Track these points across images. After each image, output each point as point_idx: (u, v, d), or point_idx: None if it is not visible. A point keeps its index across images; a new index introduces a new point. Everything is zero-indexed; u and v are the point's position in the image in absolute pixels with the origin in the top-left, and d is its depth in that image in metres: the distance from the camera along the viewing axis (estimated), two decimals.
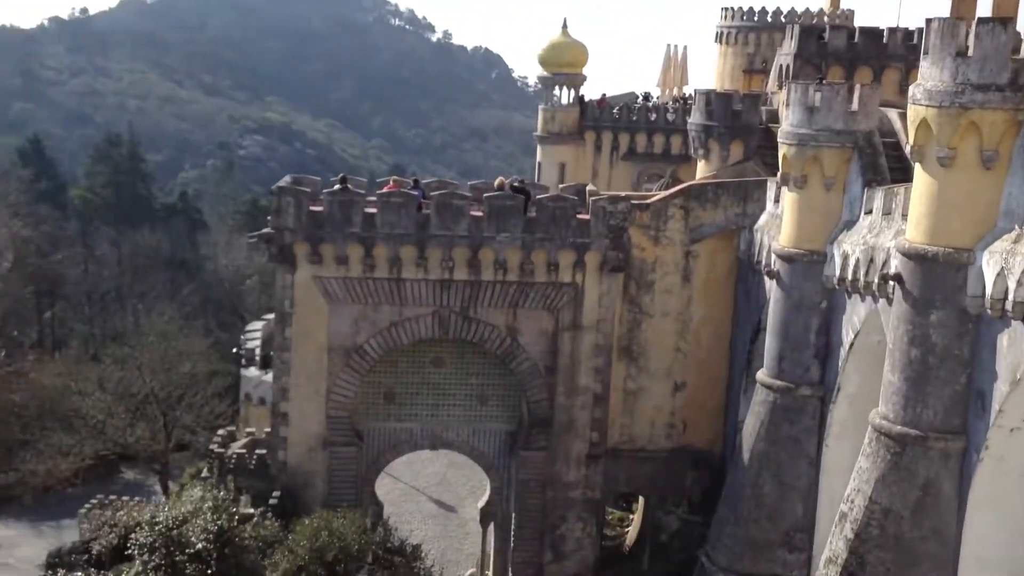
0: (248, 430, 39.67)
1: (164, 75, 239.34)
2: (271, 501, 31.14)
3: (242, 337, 57.86)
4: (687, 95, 57.00)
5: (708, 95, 40.57)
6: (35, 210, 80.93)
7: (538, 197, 32.99)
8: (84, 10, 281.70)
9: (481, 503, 36.18)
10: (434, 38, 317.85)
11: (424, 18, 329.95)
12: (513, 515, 34.19)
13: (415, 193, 32.82)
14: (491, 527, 36.23)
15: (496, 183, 33.91)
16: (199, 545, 25.52)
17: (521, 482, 33.64)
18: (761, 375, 29.40)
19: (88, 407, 51.97)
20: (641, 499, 38.44)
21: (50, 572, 31.73)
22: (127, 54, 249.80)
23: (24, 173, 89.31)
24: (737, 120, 39.11)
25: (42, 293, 76.44)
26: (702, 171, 40.51)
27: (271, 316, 49.15)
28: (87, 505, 43.02)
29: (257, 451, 33.74)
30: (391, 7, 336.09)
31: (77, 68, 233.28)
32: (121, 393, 52.99)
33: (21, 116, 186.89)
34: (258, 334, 55.60)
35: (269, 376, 40.78)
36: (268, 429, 34.68)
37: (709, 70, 54.37)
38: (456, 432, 34.45)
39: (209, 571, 25.33)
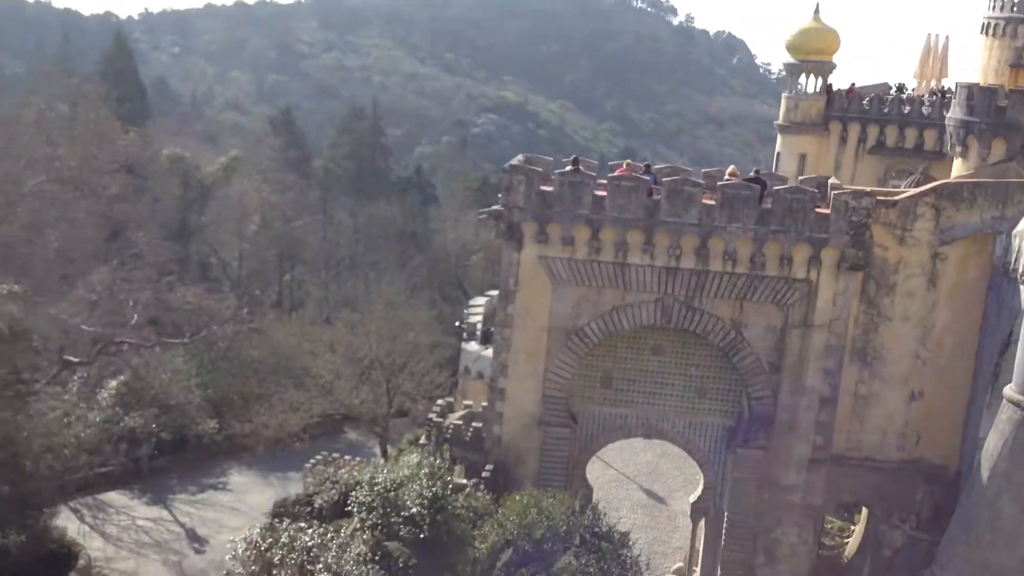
0: (466, 403, 40.36)
1: (408, 52, 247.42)
2: (484, 474, 31.51)
3: (465, 311, 59.01)
4: (946, 88, 53.56)
5: (970, 89, 37.83)
6: (282, 177, 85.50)
7: (775, 188, 31.77)
8: None
9: (693, 497, 35.39)
10: (675, 21, 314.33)
11: (666, 1, 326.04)
12: (725, 513, 33.24)
13: (646, 178, 32.24)
14: (702, 523, 35.40)
15: (728, 171, 32.99)
16: (413, 509, 26.05)
17: (736, 480, 32.62)
18: (1009, 391, 27.26)
19: (319, 367, 54.50)
20: (864, 510, 36.61)
21: (275, 520, 33.27)
22: (375, 31, 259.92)
23: (275, 142, 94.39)
24: (1001, 117, 36.27)
25: (284, 256, 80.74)
26: (958, 170, 37.87)
27: (494, 292, 49.98)
28: (312, 460, 45.22)
29: (473, 424, 34.22)
30: None
31: (328, 43, 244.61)
32: (349, 357, 55.23)
33: (276, 87, 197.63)
34: (480, 309, 56.47)
35: (488, 351, 41.25)
36: (485, 403, 35.09)
37: (972, 63, 50.74)
38: (672, 423, 33.75)
39: (421, 535, 25.81)
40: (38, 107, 62.46)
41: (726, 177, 32.42)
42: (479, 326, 53.78)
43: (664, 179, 32.25)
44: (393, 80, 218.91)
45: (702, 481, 34.68)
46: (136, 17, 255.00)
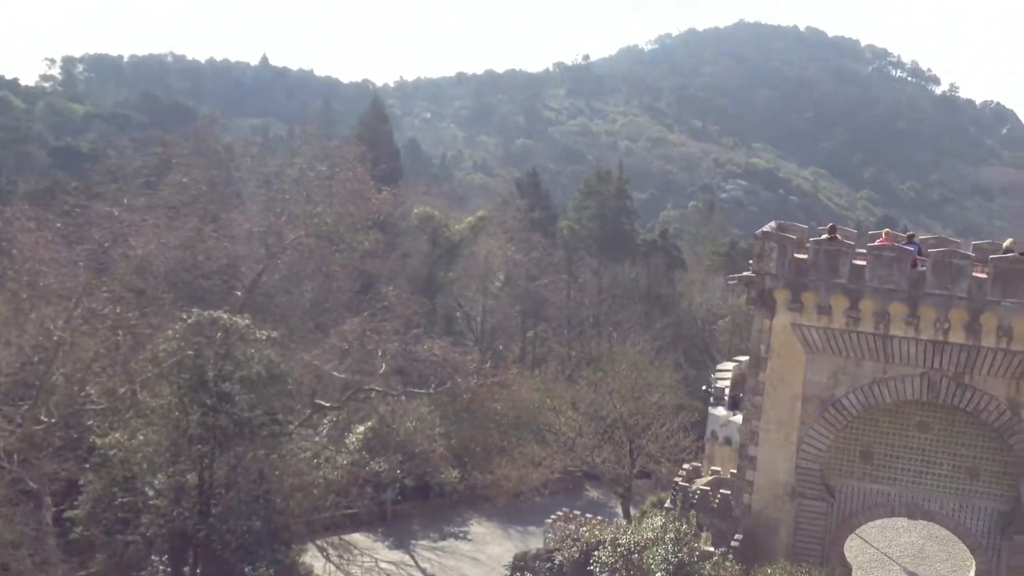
0: (713, 468, 39.24)
1: (655, 118, 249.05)
2: (733, 543, 30.39)
3: (712, 375, 57.67)
4: None
5: None
6: (527, 237, 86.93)
7: None
8: (586, 56, 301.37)
9: None
10: (938, 90, 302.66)
11: (929, 70, 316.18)
12: None
13: (910, 248, 30.79)
14: None
15: (1004, 244, 31.10)
16: (658, 574, 25.28)
17: (1013, 569, 30.04)
18: None
19: (561, 424, 54.46)
20: None
21: (516, 573, 33.14)
22: (622, 97, 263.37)
23: (521, 203, 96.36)
24: None
25: (527, 313, 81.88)
26: None
27: (742, 358, 48.53)
28: (553, 516, 45.00)
29: (721, 491, 33.13)
30: (893, 58, 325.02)
31: (575, 109, 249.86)
32: (591, 415, 54.98)
33: (522, 151, 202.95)
34: (728, 374, 55.04)
35: (737, 417, 39.97)
36: (733, 470, 33.98)
37: None
38: (939, 503, 31.46)
39: None
40: (299, 167, 66.22)
41: (1002, 250, 30.32)
42: (727, 391, 52.48)
43: (930, 250, 30.79)
44: (639, 145, 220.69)
45: (973, 568, 32.06)
46: (391, 84, 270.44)
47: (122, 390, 40.25)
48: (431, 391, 52.62)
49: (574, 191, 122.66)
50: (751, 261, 31.80)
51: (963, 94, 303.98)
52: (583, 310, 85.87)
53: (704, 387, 56.69)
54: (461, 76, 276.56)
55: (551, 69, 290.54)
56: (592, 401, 55.35)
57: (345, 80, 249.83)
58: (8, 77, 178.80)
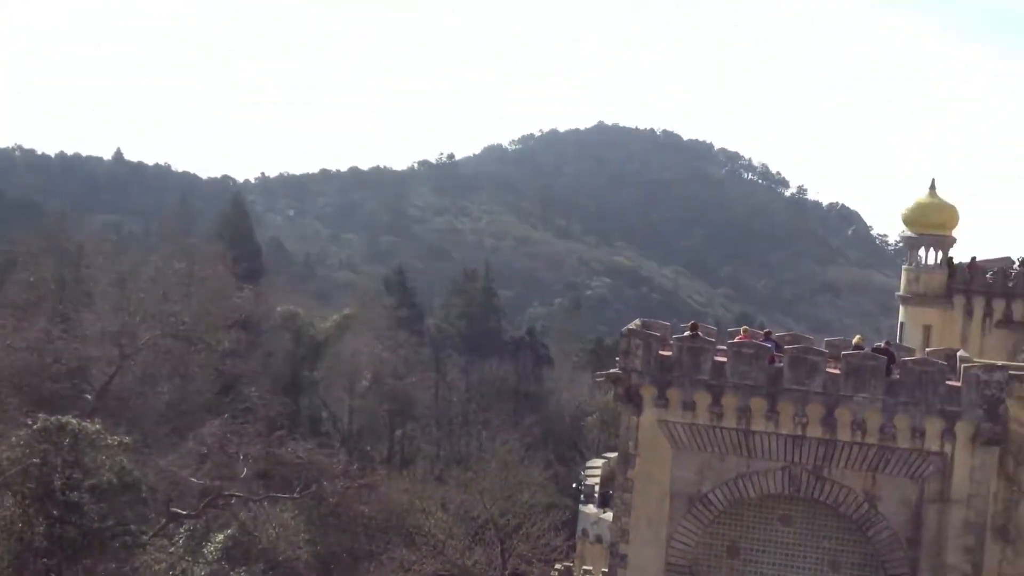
0: (585, 568, 39.06)
1: (520, 217, 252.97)
2: None
3: (581, 473, 57.92)
4: None
5: None
6: (394, 335, 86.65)
7: (903, 359, 30.73)
8: (451, 155, 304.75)
9: None
10: (787, 193, 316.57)
11: (778, 173, 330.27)
12: None
13: (767, 345, 31.74)
14: None
15: (854, 341, 32.20)
16: None
17: None
18: None
19: (431, 526, 53.62)
20: None
21: None
22: (486, 196, 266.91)
23: (387, 300, 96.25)
24: None
25: (395, 412, 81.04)
26: None
27: (611, 454, 48.84)
28: None
29: None
30: (744, 161, 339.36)
31: (440, 207, 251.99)
32: (462, 516, 54.38)
33: (388, 248, 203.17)
34: (598, 471, 55.48)
35: (607, 515, 39.97)
36: (605, 569, 33.82)
37: None
38: None
39: None
40: (156, 264, 64.81)
41: (852, 346, 31.50)
42: (597, 488, 52.75)
43: (786, 346, 31.69)
44: (504, 243, 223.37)
45: None
46: (253, 180, 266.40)
47: None
48: (296, 495, 51.20)
49: (441, 288, 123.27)
50: (617, 358, 32.08)
51: (811, 196, 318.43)
52: (452, 408, 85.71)
53: (574, 484, 56.84)
54: (325, 173, 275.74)
55: (416, 167, 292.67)
56: (462, 501, 54.90)
57: (204, 176, 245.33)
58: None
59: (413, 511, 55.57)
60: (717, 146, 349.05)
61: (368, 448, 74.56)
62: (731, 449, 30.93)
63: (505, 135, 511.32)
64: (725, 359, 30.81)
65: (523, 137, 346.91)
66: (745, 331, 33.47)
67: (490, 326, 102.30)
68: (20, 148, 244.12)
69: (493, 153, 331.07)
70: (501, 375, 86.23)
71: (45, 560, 36.12)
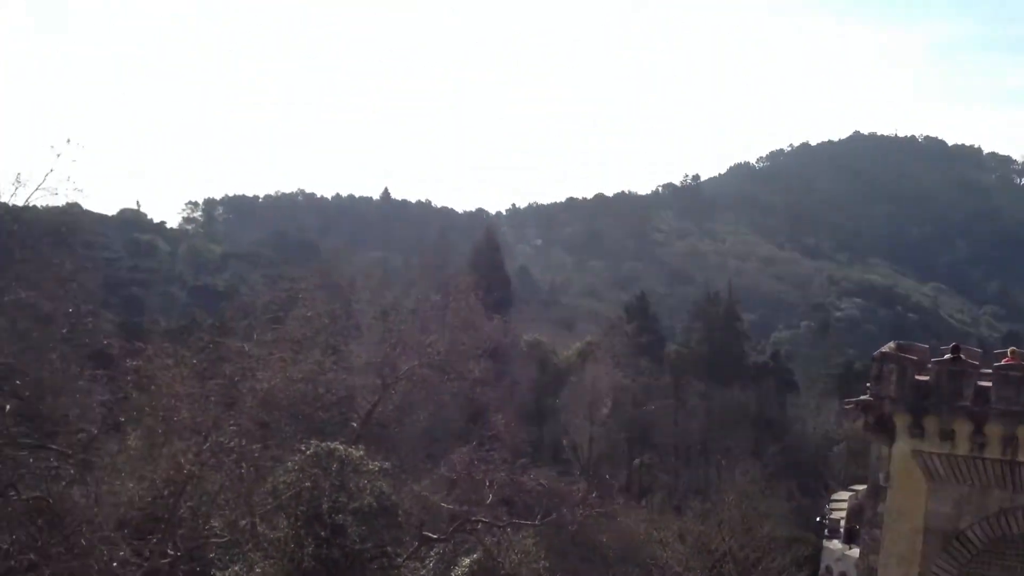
0: None
1: (765, 237, 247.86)
2: None
3: (826, 506, 56.75)
4: None
5: None
6: (635, 362, 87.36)
7: None
8: (695, 176, 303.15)
9: None
10: None
11: None
12: None
13: None
14: None
15: None
16: None
17: None
18: None
19: (667, 557, 53.87)
20: None
21: None
22: (731, 217, 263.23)
23: (629, 327, 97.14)
24: None
25: (633, 440, 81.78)
26: None
27: (859, 487, 47.76)
28: None
29: None
30: (1017, 166, 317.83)
31: (684, 231, 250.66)
32: (699, 548, 54.29)
33: (631, 274, 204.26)
34: (844, 504, 54.09)
35: (853, 551, 39.28)
36: None
37: None
38: None
39: None
40: (415, 297, 68.21)
41: None
42: (843, 523, 51.47)
43: None
44: (749, 265, 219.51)
45: None
46: (504, 212, 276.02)
47: (243, 523, 41.63)
48: (537, 522, 52.81)
49: (683, 313, 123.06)
50: (868, 384, 30.74)
51: None
52: (691, 436, 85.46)
53: (818, 518, 55.74)
54: (571, 201, 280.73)
55: (660, 191, 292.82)
56: (700, 533, 54.71)
57: (460, 210, 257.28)
58: (156, 220, 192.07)
59: (650, 542, 56.00)
60: (986, 150, 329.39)
61: (607, 476, 75.65)
62: (994, 482, 29.02)
63: (752, 153, 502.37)
64: (989, 384, 28.90)
65: (771, 153, 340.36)
66: (1013, 353, 30.97)
67: (732, 351, 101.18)
68: (303, 192, 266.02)
69: (739, 172, 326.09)
70: (743, 401, 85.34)
71: None
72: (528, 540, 52.51)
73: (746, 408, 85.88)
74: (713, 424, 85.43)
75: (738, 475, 63.80)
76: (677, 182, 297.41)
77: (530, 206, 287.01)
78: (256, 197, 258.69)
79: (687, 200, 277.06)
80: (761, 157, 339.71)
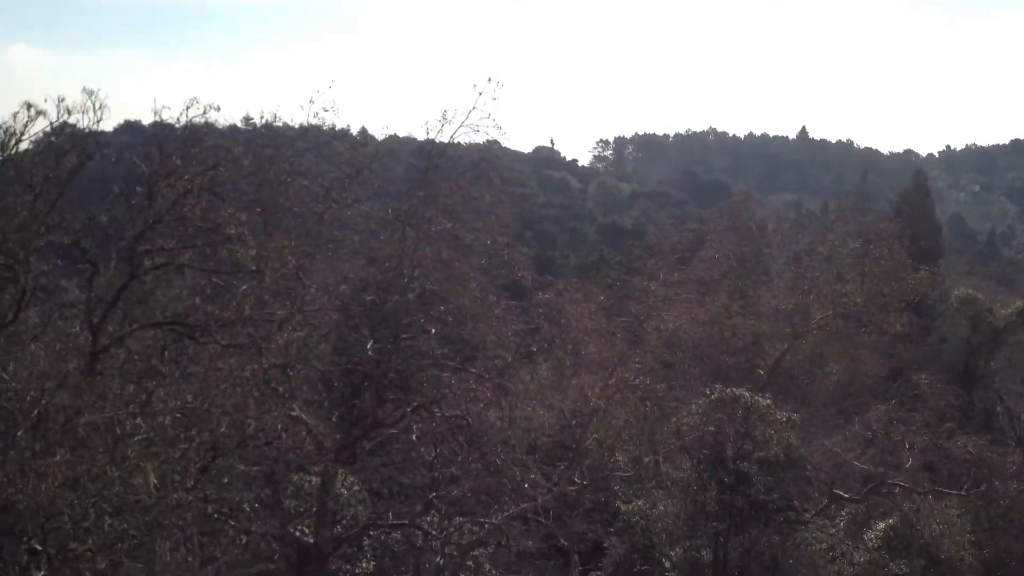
0: None
1: None
2: None
3: None
4: None
5: None
6: None
7: None
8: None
9: None
10: None
11: None
12: None
13: None
14: None
15: None
16: None
17: None
18: None
19: None
20: None
21: None
22: None
23: None
24: None
25: None
26: None
27: None
28: None
29: None
30: None
31: None
32: None
33: None
34: None
35: None
36: None
37: None
38: None
39: None
40: (832, 243, 64.91)
41: None
42: None
43: None
44: None
45: None
46: (936, 155, 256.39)
47: (646, 459, 42.11)
48: (962, 493, 48.81)
49: None
50: None
51: None
52: None
53: None
54: (1017, 144, 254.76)
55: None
56: None
57: (885, 151, 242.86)
58: (568, 158, 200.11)
59: None
60: None
61: None
62: None
63: None
64: None
65: None
66: None
67: None
68: (713, 131, 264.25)
69: None
70: None
71: (715, 524, 38.53)
72: (952, 511, 48.61)
73: None
74: None
75: None
76: None
77: (967, 148, 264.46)
78: (666, 136, 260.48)
79: None
80: None
